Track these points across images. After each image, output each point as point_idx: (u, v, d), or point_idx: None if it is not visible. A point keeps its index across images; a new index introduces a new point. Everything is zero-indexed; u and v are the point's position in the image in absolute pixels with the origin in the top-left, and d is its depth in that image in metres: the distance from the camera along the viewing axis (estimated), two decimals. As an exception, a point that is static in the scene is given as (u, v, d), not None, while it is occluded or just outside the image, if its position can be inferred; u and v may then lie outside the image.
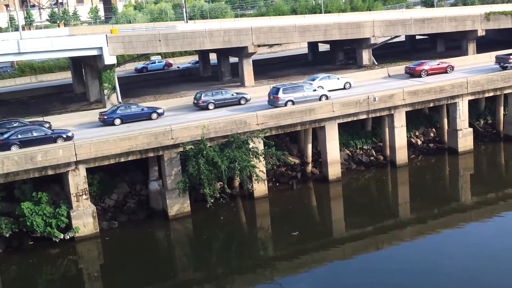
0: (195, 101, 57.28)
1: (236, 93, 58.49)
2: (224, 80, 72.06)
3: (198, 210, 47.34)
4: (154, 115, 53.83)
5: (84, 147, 43.47)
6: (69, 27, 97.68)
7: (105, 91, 60.55)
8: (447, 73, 65.16)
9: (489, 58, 69.34)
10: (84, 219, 44.05)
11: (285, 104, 53.36)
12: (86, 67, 67.08)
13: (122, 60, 74.19)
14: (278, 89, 54.67)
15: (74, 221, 43.78)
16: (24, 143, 45.29)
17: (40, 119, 54.37)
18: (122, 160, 45.47)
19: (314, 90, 55.97)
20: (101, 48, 58.92)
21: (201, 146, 45.22)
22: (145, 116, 53.65)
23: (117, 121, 52.61)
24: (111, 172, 48.01)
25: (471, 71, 64.39)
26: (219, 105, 56.66)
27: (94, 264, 42.56)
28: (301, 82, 60.27)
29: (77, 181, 43.97)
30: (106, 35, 59.95)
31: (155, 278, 38.40)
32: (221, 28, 67.45)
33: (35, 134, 46.23)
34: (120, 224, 46.31)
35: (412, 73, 65.13)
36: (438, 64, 65.87)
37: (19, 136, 45.70)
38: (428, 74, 64.51)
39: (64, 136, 46.95)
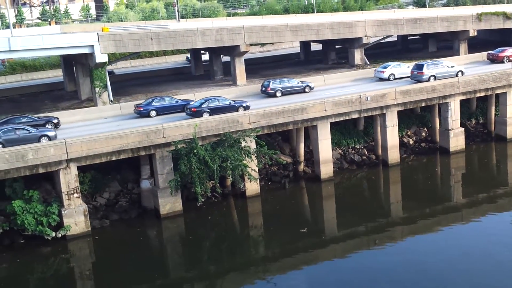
0: (263, 89, 59.40)
1: (301, 81, 60.62)
2: (216, 78, 71.96)
3: (190, 209, 47.22)
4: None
5: (75, 145, 43.26)
6: (60, 25, 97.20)
7: (97, 89, 60.32)
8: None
9: (481, 58, 69.58)
10: (76, 217, 43.86)
11: (429, 79, 58.59)
12: (77, 65, 66.81)
13: (114, 58, 73.90)
14: (422, 65, 60.25)
15: (66, 220, 43.59)
16: (9, 142, 44.19)
17: (50, 114, 53.84)
18: (114, 158, 45.27)
19: (452, 67, 60.31)
20: (92, 46, 58.72)
21: (193, 145, 45.09)
22: (179, 108, 54.18)
23: (153, 113, 53.36)
24: (102, 171, 47.84)
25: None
26: (285, 92, 58.85)
27: (85, 263, 42.35)
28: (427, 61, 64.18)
29: (69, 179, 43.76)
30: (98, 33, 59.73)
31: (147, 277, 38.28)
32: (213, 27, 67.34)
33: (18, 133, 45.04)
34: (112, 222, 46.14)
35: (494, 59, 68.52)
36: None
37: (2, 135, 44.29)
38: (509, 60, 67.81)
39: (49, 134, 45.73)
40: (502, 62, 67.68)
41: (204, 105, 51.75)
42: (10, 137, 44.56)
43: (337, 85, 62.97)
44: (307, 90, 59.81)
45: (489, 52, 69.40)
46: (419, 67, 60.40)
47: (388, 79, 62.85)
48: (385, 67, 64.24)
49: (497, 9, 78.13)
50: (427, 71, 59.61)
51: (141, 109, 53.62)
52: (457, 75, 59.84)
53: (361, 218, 45.62)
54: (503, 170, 56.57)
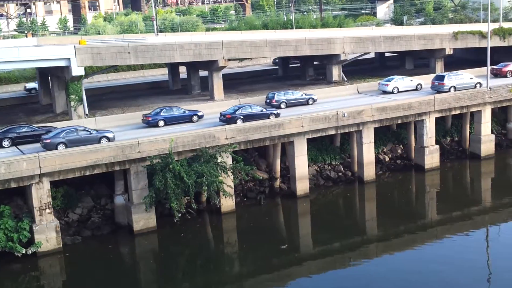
0: (268, 101, 59.99)
1: (305, 94, 61.68)
2: (193, 93, 71.64)
3: (164, 225, 46.72)
4: (195, 118, 55.27)
5: (48, 159, 42.63)
6: (37, 37, 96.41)
7: (72, 103, 59.63)
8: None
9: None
10: (47, 233, 43.10)
11: (449, 89, 60.73)
12: (53, 78, 66.06)
13: (91, 71, 73.30)
14: (443, 76, 62.54)
15: (37, 236, 42.80)
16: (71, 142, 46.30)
17: (50, 124, 53.64)
18: (88, 173, 44.70)
19: (471, 78, 61.90)
20: (69, 59, 58.08)
21: (168, 160, 44.67)
22: (187, 118, 55.03)
23: (161, 123, 53.88)
24: (75, 186, 47.19)
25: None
26: (290, 104, 59.57)
27: (56, 280, 41.62)
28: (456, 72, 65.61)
29: (41, 194, 43.05)
30: (75, 46, 59.14)
31: (119, 294, 37.69)
32: (192, 41, 67.15)
33: (80, 134, 47.14)
34: (84, 239, 45.42)
35: (497, 74, 70.21)
36: None
37: None
38: None
39: (109, 136, 47.76)
40: (505, 76, 69.52)
41: (237, 112, 53.46)
42: (72, 137, 46.65)
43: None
44: (310, 102, 60.74)
45: (493, 66, 70.61)
46: (440, 78, 62.54)
47: (392, 92, 63.82)
48: (389, 81, 65.27)
49: (473, 28, 78.99)
50: (448, 81, 61.68)
51: (150, 119, 54.17)
52: (475, 86, 61.68)
53: (336, 235, 45.50)
54: (477, 188, 56.98)
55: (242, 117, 53.01)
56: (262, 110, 54.57)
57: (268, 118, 53.48)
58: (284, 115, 54.16)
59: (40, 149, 46.43)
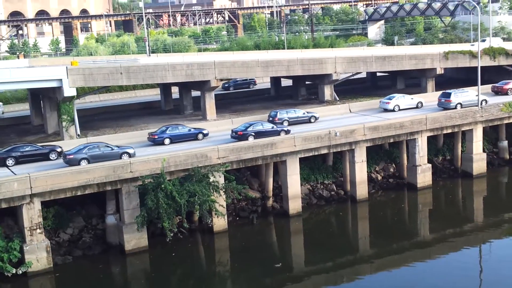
0: (270, 119, 60.06)
1: (307, 112, 61.90)
2: (186, 113, 71.71)
3: (156, 245, 46.43)
4: (200, 136, 55.80)
5: (40, 179, 42.42)
6: (28, 59, 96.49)
7: (64, 123, 59.55)
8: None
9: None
10: (38, 253, 42.76)
11: (455, 106, 61.44)
12: (44, 98, 66.04)
13: (82, 92, 73.30)
14: (450, 93, 62.95)
15: (27, 256, 42.47)
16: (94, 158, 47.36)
17: (54, 143, 53.86)
18: (79, 193, 44.49)
19: (476, 95, 61.49)
20: (60, 80, 58.16)
21: (160, 180, 44.50)
22: (192, 136, 55.63)
23: (167, 141, 54.44)
24: (66, 206, 46.90)
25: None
26: (292, 122, 59.76)
27: (46, 301, 41.20)
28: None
29: (32, 214, 42.77)
30: (66, 67, 59.25)
31: (110, 315, 37.29)
32: (184, 62, 67.38)
33: (102, 150, 48.11)
34: (75, 259, 45.05)
35: (498, 91, 70.85)
36: None
37: None
38: None
39: (129, 151, 48.73)
40: (507, 94, 69.97)
41: (249, 129, 54.30)
42: (95, 153, 47.61)
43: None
44: (312, 120, 61.11)
45: (494, 84, 71.63)
46: (447, 95, 63.02)
47: (393, 110, 64.31)
48: (390, 99, 65.83)
49: (463, 48, 79.65)
50: (455, 98, 62.35)
51: (156, 137, 54.77)
52: (481, 104, 61.47)
53: (329, 253, 45.33)
54: (469, 206, 57.03)
55: (253, 134, 53.81)
56: (272, 127, 55.54)
57: (279, 135, 54.30)
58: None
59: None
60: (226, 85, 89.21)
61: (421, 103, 65.93)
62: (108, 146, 48.85)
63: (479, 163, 60.42)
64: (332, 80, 72.60)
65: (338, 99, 74.08)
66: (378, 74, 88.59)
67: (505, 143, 64.97)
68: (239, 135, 53.80)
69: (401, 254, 45.43)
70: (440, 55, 75.61)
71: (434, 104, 65.11)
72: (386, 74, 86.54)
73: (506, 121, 62.85)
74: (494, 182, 61.15)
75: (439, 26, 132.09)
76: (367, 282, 41.39)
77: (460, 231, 49.43)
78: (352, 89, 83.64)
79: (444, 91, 64.89)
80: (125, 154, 48.48)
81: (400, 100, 65.47)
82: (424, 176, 57.32)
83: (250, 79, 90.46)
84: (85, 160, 47.04)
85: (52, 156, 49.92)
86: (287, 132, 55.01)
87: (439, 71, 75.97)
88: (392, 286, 40.04)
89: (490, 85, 71.71)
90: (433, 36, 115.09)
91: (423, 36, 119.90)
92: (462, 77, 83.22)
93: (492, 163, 63.38)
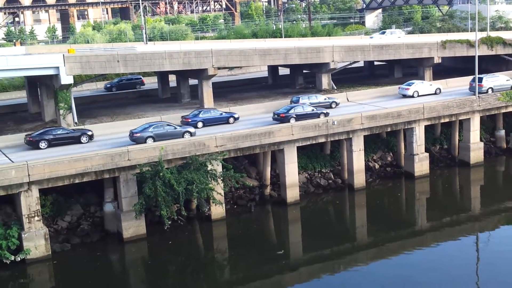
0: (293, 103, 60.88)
1: (328, 97, 63.19)
2: (183, 102, 71.53)
3: (154, 233, 46.53)
4: (231, 119, 57.25)
5: (37, 167, 42.38)
6: (25, 46, 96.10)
7: (61, 111, 59.36)
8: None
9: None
10: (36, 241, 42.82)
11: (487, 91, 62.56)
12: (41, 86, 65.76)
13: (80, 80, 73.08)
14: (482, 78, 63.82)
15: (26, 243, 42.52)
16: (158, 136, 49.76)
17: (84, 127, 55.47)
18: (77, 181, 44.48)
19: (508, 80, 63.95)
20: (57, 67, 57.83)
21: (158, 168, 44.52)
22: (224, 120, 57.04)
23: (200, 124, 55.54)
24: (64, 193, 46.95)
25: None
26: (315, 107, 59.62)
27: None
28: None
29: (30, 202, 42.78)
30: (63, 55, 58.92)
31: (108, 302, 37.43)
32: (181, 50, 67.01)
33: (166, 129, 50.68)
34: (73, 246, 45.14)
35: None
36: None
37: None
38: None
39: (190, 130, 51.00)
40: None
41: (290, 111, 55.99)
42: (159, 131, 50.10)
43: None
44: (333, 105, 61.90)
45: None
46: (479, 80, 63.15)
47: (412, 96, 64.82)
48: (409, 85, 66.46)
49: (461, 37, 79.52)
50: (486, 83, 63.40)
51: (189, 120, 55.81)
52: (511, 88, 63.30)
53: (326, 242, 45.48)
54: (466, 195, 57.24)
55: (295, 116, 55.29)
56: (313, 110, 57.01)
57: (318, 117, 55.61)
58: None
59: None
60: (109, 85, 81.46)
61: (439, 89, 66.86)
62: (170, 125, 51.19)
63: (476, 152, 60.59)
64: (329, 69, 72.45)
65: (335, 87, 74.00)
66: (375, 63, 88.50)
67: (502, 132, 65.17)
68: (281, 117, 55.56)
69: (398, 242, 45.62)
70: (437, 44, 75.45)
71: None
72: (384, 63, 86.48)
73: (503, 110, 63.00)
74: (491, 171, 61.38)
75: (436, 15, 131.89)
76: (364, 270, 41.56)
77: (457, 220, 49.63)
78: (350, 78, 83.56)
79: (475, 75, 64.90)
80: (187, 133, 50.75)
81: (419, 86, 66.32)
82: (421, 165, 57.45)
83: (136, 78, 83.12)
84: (151, 138, 49.41)
85: (83, 139, 51.40)
86: (326, 114, 56.53)
87: (437, 60, 75.81)
88: (389, 274, 40.21)
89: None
90: (431, 25, 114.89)
91: (420, 25, 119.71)
92: (460, 67, 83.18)
93: (489, 152, 63.56)
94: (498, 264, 40.87)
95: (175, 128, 51.04)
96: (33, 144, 50.02)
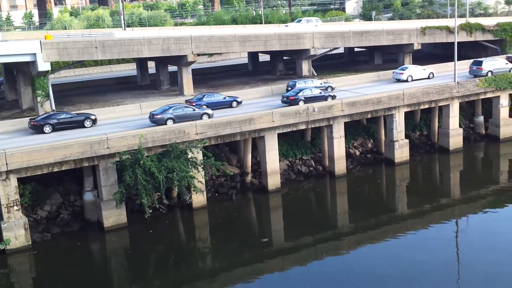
0: (289, 89, 62.14)
1: (324, 82, 64.71)
2: (162, 88, 71.05)
3: (135, 221, 46.25)
4: (234, 103, 58.32)
5: (15, 156, 41.79)
6: (1, 33, 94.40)
7: (39, 99, 58.59)
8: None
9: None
10: (16, 231, 42.34)
11: (487, 74, 63.65)
12: (18, 73, 64.84)
13: (57, 66, 72.16)
14: (481, 61, 65.39)
15: (5, 233, 42.04)
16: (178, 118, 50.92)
17: (88, 111, 56.10)
18: (56, 169, 43.96)
19: (506, 64, 65.46)
20: (34, 54, 56.99)
21: (138, 156, 44.15)
22: (227, 104, 58.10)
23: (204, 108, 55.26)
24: (43, 182, 46.43)
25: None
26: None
27: (25, 278, 40.87)
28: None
29: (8, 191, 42.23)
30: (40, 41, 58.07)
31: (89, 292, 37.17)
32: (160, 36, 66.46)
33: (185, 111, 51.76)
34: (53, 236, 44.72)
35: None
36: None
37: None
38: None
39: (209, 112, 52.48)
40: None
41: (299, 94, 56.88)
42: (179, 113, 51.20)
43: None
44: (329, 89, 62.71)
45: (508, 55, 72.56)
46: (479, 63, 65.30)
47: (406, 81, 65.86)
48: (403, 69, 67.77)
49: (440, 24, 79.82)
50: (486, 66, 64.68)
51: (193, 104, 56.07)
52: (510, 71, 64.97)
53: (308, 229, 45.55)
54: (446, 181, 57.65)
55: (303, 98, 56.19)
56: (320, 93, 58.13)
57: (326, 99, 56.78)
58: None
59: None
60: None
61: (433, 73, 68.00)
62: (188, 107, 52.43)
63: (456, 138, 61.01)
64: (310, 55, 72.35)
65: (316, 74, 73.95)
66: (356, 49, 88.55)
67: (481, 118, 65.66)
68: (290, 100, 56.44)
69: (379, 229, 45.83)
70: (417, 30, 75.71)
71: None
72: (364, 49, 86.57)
73: (482, 97, 63.38)
74: (470, 157, 61.86)
75: (416, 1, 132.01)
76: (346, 256, 41.74)
77: (437, 205, 49.97)
78: (330, 64, 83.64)
79: (475, 59, 67.33)
80: (205, 115, 51.80)
81: (413, 70, 67.31)
82: (401, 152, 57.71)
83: None
84: (171, 120, 50.46)
85: (87, 123, 51.87)
86: (334, 97, 57.67)
87: (416, 46, 76.13)
88: (371, 260, 40.40)
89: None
90: (411, 11, 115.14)
91: (400, 11, 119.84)
92: (439, 53, 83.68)
93: (469, 138, 64.06)
94: (477, 247, 41.24)
95: (194, 110, 52.05)
96: (37, 128, 50.43)
